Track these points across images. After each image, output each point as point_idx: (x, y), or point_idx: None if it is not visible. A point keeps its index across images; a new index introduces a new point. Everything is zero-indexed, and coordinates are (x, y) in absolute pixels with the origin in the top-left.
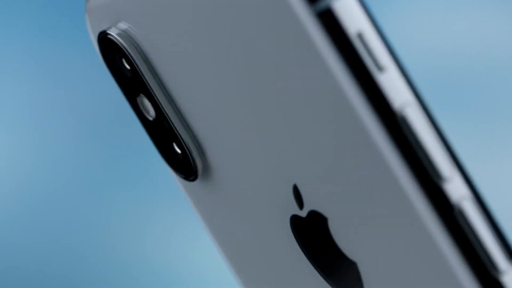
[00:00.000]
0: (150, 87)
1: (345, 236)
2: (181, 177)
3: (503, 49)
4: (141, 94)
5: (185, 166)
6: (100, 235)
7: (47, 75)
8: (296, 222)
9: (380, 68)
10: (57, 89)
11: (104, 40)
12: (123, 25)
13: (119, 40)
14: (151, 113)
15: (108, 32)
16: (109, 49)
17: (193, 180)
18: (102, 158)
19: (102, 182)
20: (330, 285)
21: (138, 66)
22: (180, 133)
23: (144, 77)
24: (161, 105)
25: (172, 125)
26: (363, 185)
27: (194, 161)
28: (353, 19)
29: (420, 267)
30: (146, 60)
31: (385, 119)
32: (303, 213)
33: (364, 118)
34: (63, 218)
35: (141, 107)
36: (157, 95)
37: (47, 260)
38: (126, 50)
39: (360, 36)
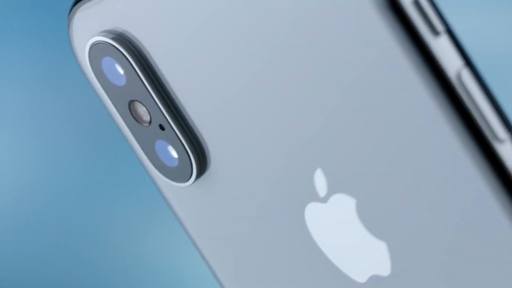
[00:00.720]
0: (149, 91)
1: (376, 216)
2: (174, 181)
3: None
4: (135, 101)
5: (181, 170)
6: (101, 237)
7: (48, 77)
8: (315, 210)
9: (436, 33)
10: (57, 91)
11: (96, 46)
12: (117, 30)
13: (115, 44)
14: (144, 119)
15: (101, 37)
16: (100, 55)
17: (187, 183)
18: (102, 160)
19: (103, 184)
20: (346, 274)
21: (136, 70)
22: (181, 135)
23: (143, 82)
24: (161, 109)
25: (172, 129)
26: (411, 155)
27: (192, 164)
28: None
29: (469, 232)
30: (145, 63)
31: (442, 82)
32: (324, 200)
33: (422, 83)
34: (64, 221)
35: (133, 114)
36: (156, 98)
37: (47, 263)
38: (123, 54)
39: (416, 3)
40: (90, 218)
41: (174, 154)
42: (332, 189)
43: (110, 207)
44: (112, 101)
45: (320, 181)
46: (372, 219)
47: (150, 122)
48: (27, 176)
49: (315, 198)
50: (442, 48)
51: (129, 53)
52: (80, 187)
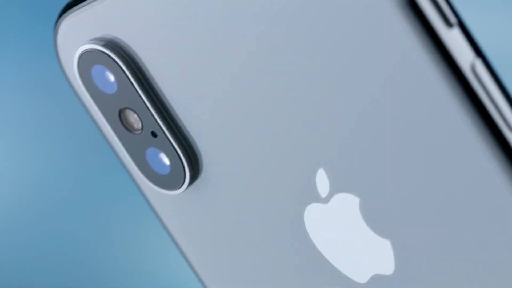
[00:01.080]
0: (142, 97)
1: (380, 214)
2: (166, 189)
3: None
4: (126, 108)
5: (174, 177)
6: (100, 241)
7: (47, 79)
8: (315, 212)
9: (450, 25)
10: (56, 95)
11: (86, 54)
12: (106, 37)
13: (105, 51)
14: (135, 127)
15: (92, 45)
16: (90, 64)
17: (179, 191)
18: (102, 164)
19: (102, 189)
20: (346, 275)
21: (128, 77)
22: (174, 141)
23: (135, 88)
24: (154, 115)
25: (165, 135)
26: (418, 149)
27: (185, 170)
28: None
29: (479, 228)
30: (136, 69)
31: (456, 73)
32: (326, 200)
33: (436, 73)
34: (62, 226)
35: (123, 122)
36: (149, 105)
37: (45, 266)
38: (115, 61)
39: None
40: (88, 223)
41: (166, 161)
42: (335, 189)
43: (109, 211)
44: (101, 110)
45: (322, 181)
46: (376, 217)
47: (141, 129)
48: (26, 181)
49: (316, 199)
50: (455, 39)
51: (120, 60)
52: (79, 191)
